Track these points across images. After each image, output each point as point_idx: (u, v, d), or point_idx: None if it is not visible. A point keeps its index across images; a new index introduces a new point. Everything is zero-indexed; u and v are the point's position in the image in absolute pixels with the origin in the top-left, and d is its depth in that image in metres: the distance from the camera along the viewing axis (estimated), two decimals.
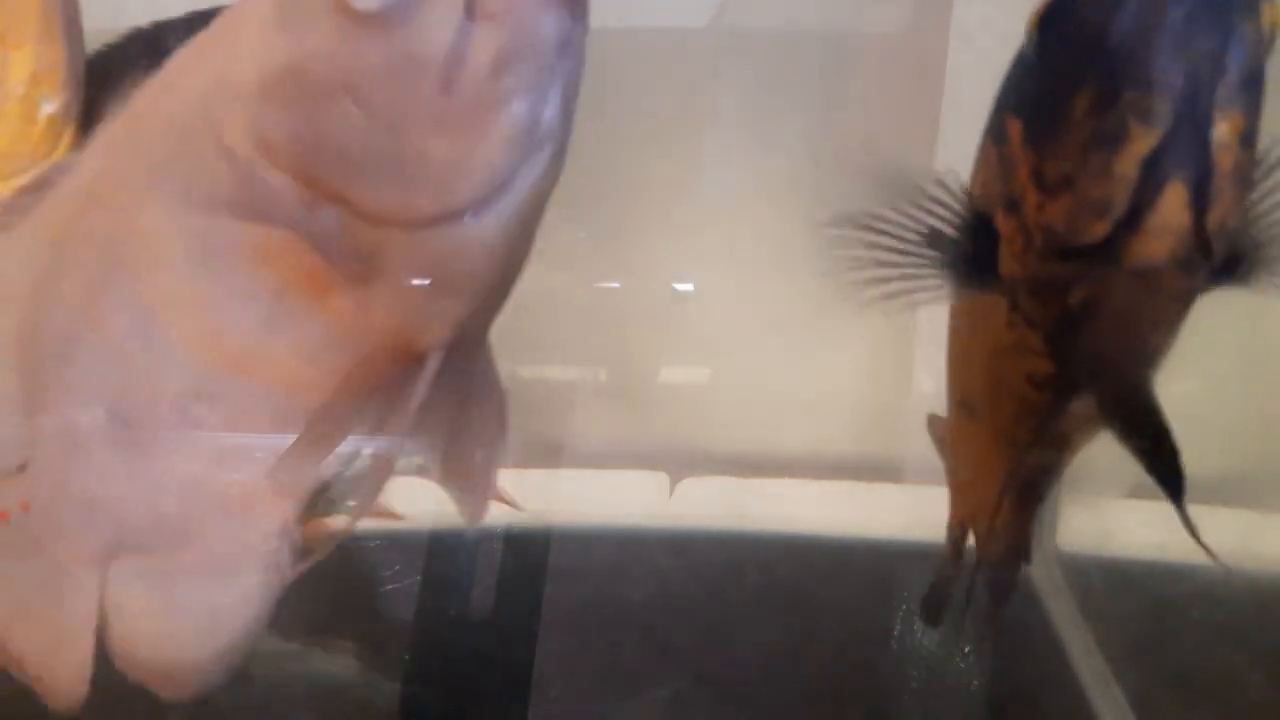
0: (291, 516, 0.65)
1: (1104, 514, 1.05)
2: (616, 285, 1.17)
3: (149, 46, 0.71)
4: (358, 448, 0.62)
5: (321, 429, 0.60)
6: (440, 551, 1.07)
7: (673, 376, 1.24)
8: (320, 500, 0.66)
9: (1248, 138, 0.52)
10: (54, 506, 0.66)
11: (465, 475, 0.67)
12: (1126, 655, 0.99)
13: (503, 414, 0.67)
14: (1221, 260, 0.56)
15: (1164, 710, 0.95)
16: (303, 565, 0.66)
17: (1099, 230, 0.54)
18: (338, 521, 0.67)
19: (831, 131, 1.13)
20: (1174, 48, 0.50)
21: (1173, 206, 0.52)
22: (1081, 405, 0.66)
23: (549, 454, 1.09)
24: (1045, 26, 0.56)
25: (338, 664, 0.93)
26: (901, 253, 0.61)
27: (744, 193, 1.15)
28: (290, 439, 0.60)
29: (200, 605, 0.67)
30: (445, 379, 0.60)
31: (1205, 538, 0.66)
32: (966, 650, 1.00)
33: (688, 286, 1.17)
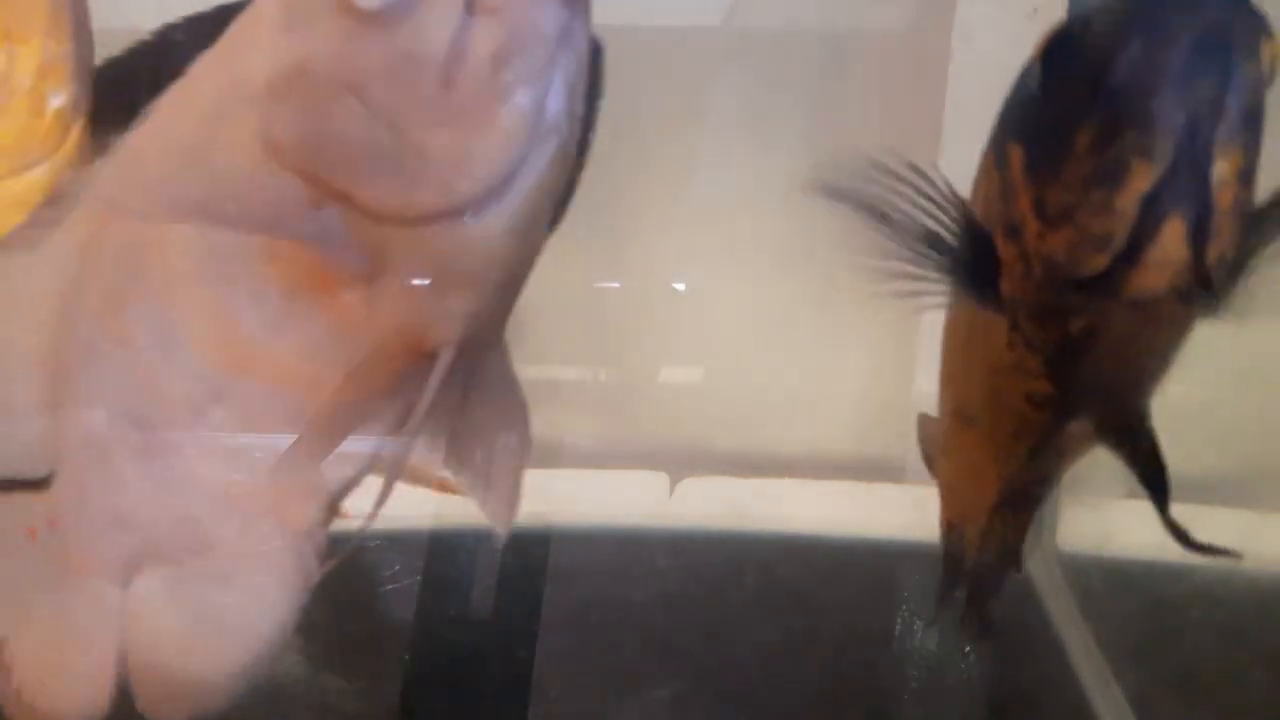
0: (315, 519, 0.65)
1: (1104, 514, 1.05)
2: (616, 285, 1.17)
3: (154, 54, 0.72)
4: (377, 448, 0.62)
5: (323, 427, 0.60)
6: (440, 551, 1.07)
7: (673, 376, 1.24)
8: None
9: (1247, 174, 0.53)
10: (80, 518, 0.66)
11: (485, 481, 0.67)
12: (1126, 655, 0.99)
13: (523, 418, 0.67)
14: (1220, 290, 0.57)
15: (1164, 710, 0.95)
16: (323, 569, 0.66)
17: (1099, 262, 0.54)
18: (351, 523, 0.67)
19: (833, 131, 1.13)
20: (1177, 87, 0.50)
21: (1172, 241, 0.52)
22: (1079, 424, 0.67)
23: (549, 454, 1.09)
24: (1050, 60, 0.56)
25: (337, 664, 0.93)
26: (906, 251, 0.61)
27: (745, 192, 1.15)
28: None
29: (227, 614, 0.67)
30: (457, 378, 0.60)
31: (1205, 538, 0.66)
32: (967, 650, 1.00)
33: (679, 285, 1.17)
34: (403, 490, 0.64)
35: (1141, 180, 0.52)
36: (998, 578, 0.85)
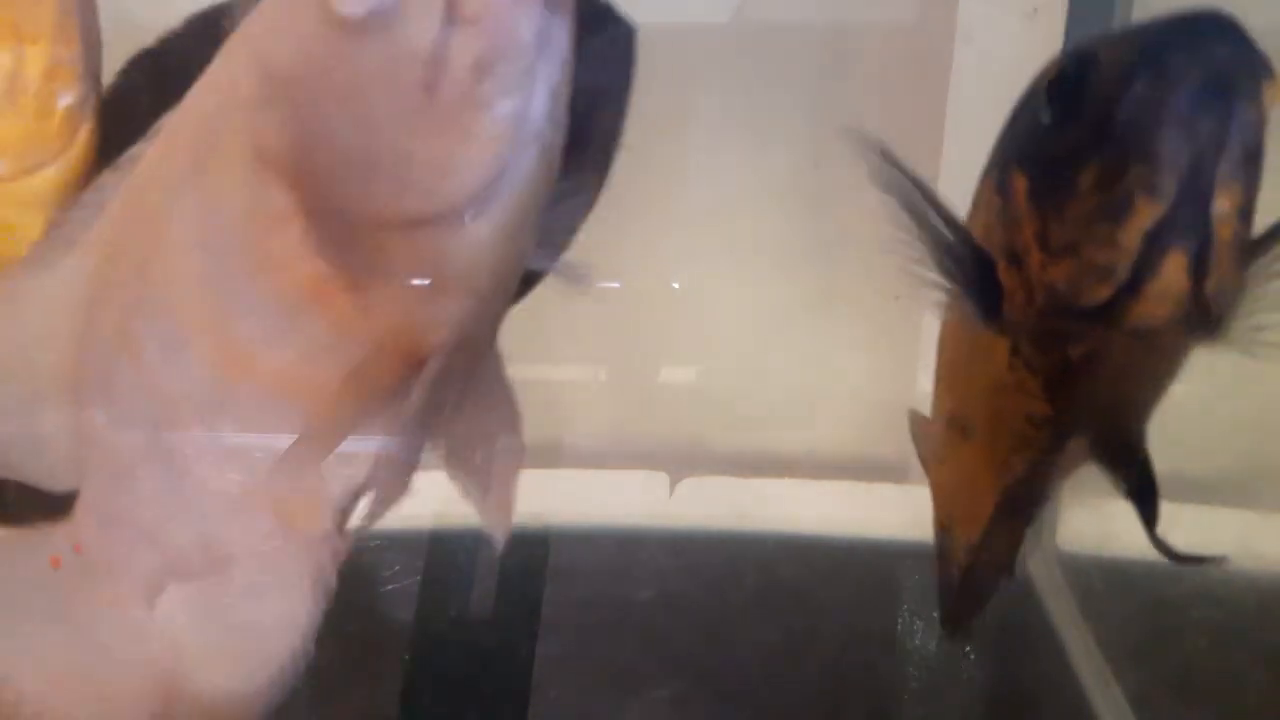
0: (331, 525, 0.65)
1: (1104, 514, 1.05)
2: (616, 285, 1.17)
3: (158, 59, 0.72)
4: (376, 450, 0.62)
5: (320, 433, 0.61)
6: (440, 551, 1.07)
7: (673, 376, 1.24)
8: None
9: (1246, 209, 0.54)
10: (103, 539, 0.67)
11: (481, 484, 0.67)
12: (1126, 655, 0.99)
13: (516, 421, 0.68)
14: (1217, 319, 0.58)
15: (1164, 710, 0.95)
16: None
17: (1101, 293, 0.56)
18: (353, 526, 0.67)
19: (835, 129, 1.12)
20: (1183, 127, 0.52)
21: (1174, 274, 0.54)
22: (1077, 441, 0.68)
23: (549, 454, 1.09)
24: (1055, 96, 0.58)
25: (337, 664, 0.93)
26: (931, 255, 0.62)
27: (745, 192, 1.15)
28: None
29: (253, 629, 0.67)
30: (453, 382, 0.60)
31: (1205, 538, 0.67)
32: (967, 650, 1.00)
33: (679, 285, 1.17)
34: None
35: (1146, 216, 0.53)
36: (990, 584, 0.86)
